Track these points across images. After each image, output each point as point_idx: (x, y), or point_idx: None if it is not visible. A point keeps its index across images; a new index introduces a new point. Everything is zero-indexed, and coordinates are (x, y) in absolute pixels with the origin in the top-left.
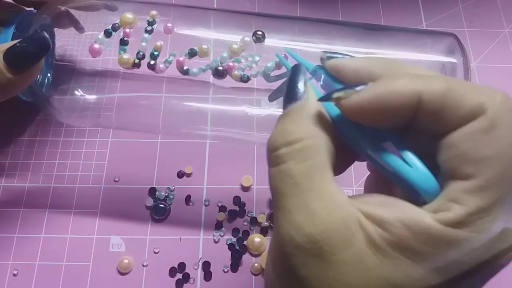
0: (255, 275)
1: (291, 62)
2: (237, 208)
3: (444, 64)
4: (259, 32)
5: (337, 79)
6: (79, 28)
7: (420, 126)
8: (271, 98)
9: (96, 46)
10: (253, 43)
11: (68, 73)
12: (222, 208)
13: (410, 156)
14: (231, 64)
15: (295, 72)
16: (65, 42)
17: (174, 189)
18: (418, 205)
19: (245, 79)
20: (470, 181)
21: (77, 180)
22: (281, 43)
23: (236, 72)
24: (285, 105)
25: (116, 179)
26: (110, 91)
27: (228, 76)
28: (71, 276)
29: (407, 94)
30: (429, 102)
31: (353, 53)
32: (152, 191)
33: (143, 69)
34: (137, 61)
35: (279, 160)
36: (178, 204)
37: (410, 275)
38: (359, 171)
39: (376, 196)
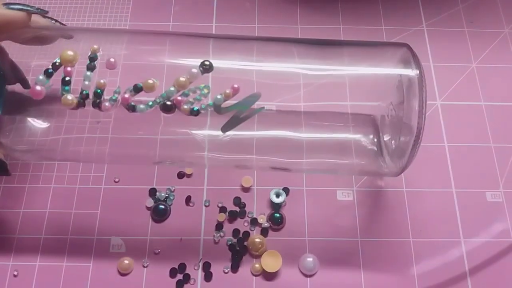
0: (256, 275)
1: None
2: (237, 209)
3: (401, 76)
4: (207, 62)
5: None
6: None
7: None
8: (224, 129)
9: (38, 88)
10: (201, 74)
11: (19, 104)
12: (222, 209)
13: None
14: (179, 98)
15: None
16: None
17: (174, 189)
18: None
19: (195, 112)
20: None
21: (77, 181)
22: (232, 64)
23: (185, 106)
24: None
25: (116, 180)
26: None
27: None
28: (71, 277)
29: None
30: None
31: (316, 70)
32: (152, 192)
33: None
34: (81, 101)
35: None
36: (178, 205)
37: None
38: None
39: None
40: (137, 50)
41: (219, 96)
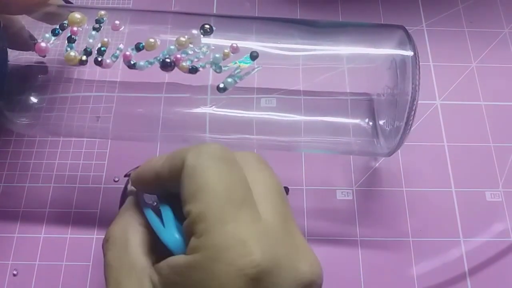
0: None
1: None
2: None
3: (394, 57)
4: (207, 25)
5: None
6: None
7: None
8: (221, 90)
9: (43, 44)
10: (201, 36)
11: (23, 78)
12: None
13: (168, 220)
14: (178, 56)
15: (125, 185)
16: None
17: None
18: None
19: (194, 70)
20: (190, 214)
21: (77, 180)
22: (231, 36)
23: (184, 64)
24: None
25: (116, 179)
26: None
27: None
28: (71, 276)
29: (148, 170)
30: (160, 172)
31: (315, 51)
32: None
33: (91, 67)
34: (84, 58)
35: (103, 256)
36: None
37: None
38: (359, 171)
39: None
40: (140, 29)
41: (217, 55)
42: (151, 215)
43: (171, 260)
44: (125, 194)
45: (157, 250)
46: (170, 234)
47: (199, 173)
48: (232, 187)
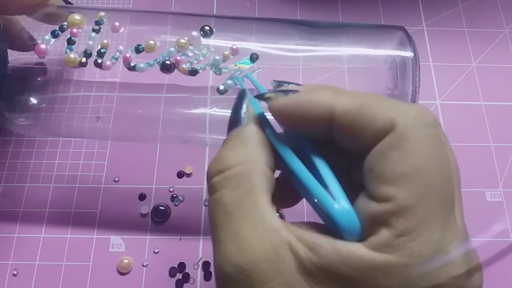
0: None
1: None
2: None
3: (394, 58)
4: (207, 27)
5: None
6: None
7: (342, 145)
8: (221, 92)
9: (43, 46)
10: (201, 38)
11: (23, 79)
12: None
13: (334, 185)
14: (178, 57)
15: (239, 98)
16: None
17: (173, 189)
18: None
19: (194, 72)
20: (393, 202)
21: (77, 180)
22: (231, 37)
23: (184, 66)
24: (227, 132)
25: (116, 179)
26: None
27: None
28: (71, 276)
29: (321, 106)
30: (341, 116)
31: (315, 51)
32: (143, 197)
33: (91, 68)
34: (84, 60)
35: (213, 189)
36: (178, 204)
37: None
38: None
39: (314, 223)
40: (140, 30)
41: (217, 57)
42: (302, 169)
43: (343, 247)
44: (239, 110)
45: (276, 202)
46: (344, 211)
47: (417, 150)
48: (449, 181)
